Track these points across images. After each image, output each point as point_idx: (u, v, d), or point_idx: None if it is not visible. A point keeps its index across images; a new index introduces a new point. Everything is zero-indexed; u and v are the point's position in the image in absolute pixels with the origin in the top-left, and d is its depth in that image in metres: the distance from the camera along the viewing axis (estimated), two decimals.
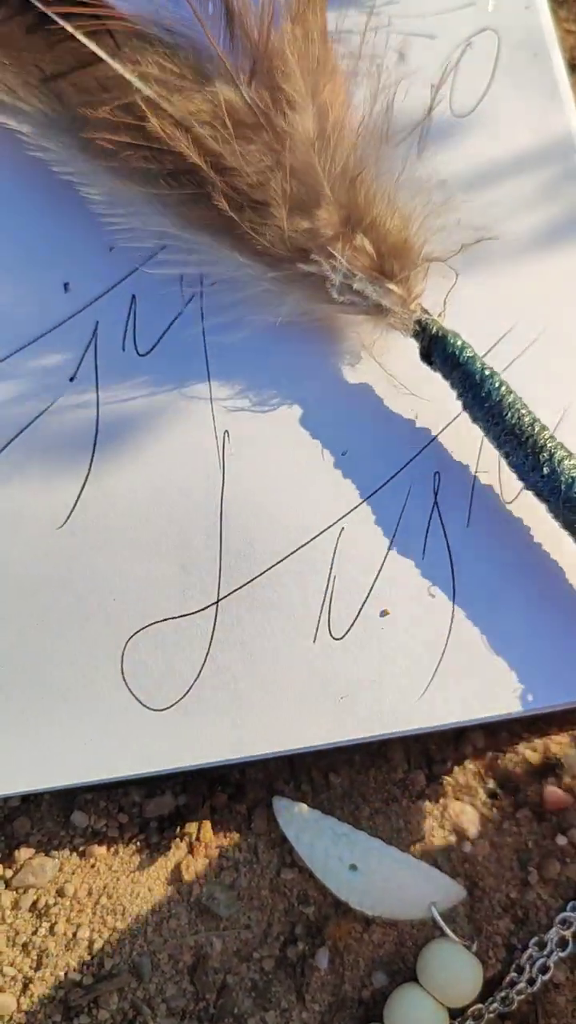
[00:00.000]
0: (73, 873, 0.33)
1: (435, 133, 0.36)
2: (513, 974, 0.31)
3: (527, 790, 0.33)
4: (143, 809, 0.33)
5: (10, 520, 0.33)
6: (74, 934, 0.32)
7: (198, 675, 0.32)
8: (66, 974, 0.31)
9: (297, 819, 0.32)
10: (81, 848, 0.33)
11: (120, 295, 0.34)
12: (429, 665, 0.32)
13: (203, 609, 0.33)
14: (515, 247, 0.35)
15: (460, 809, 0.33)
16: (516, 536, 0.33)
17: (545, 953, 0.31)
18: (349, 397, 0.34)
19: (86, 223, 0.34)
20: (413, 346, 0.33)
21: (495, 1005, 0.30)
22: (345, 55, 0.34)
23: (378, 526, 0.33)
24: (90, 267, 0.35)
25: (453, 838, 0.32)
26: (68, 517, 0.33)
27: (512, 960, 0.31)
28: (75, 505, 0.33)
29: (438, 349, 0.32)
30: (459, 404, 0.32)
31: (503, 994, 0.30)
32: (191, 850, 0.33)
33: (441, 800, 0.33)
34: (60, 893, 0.32)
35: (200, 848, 0.32)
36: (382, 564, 0.33)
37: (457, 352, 0.32)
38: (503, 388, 0.31)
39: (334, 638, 0.32)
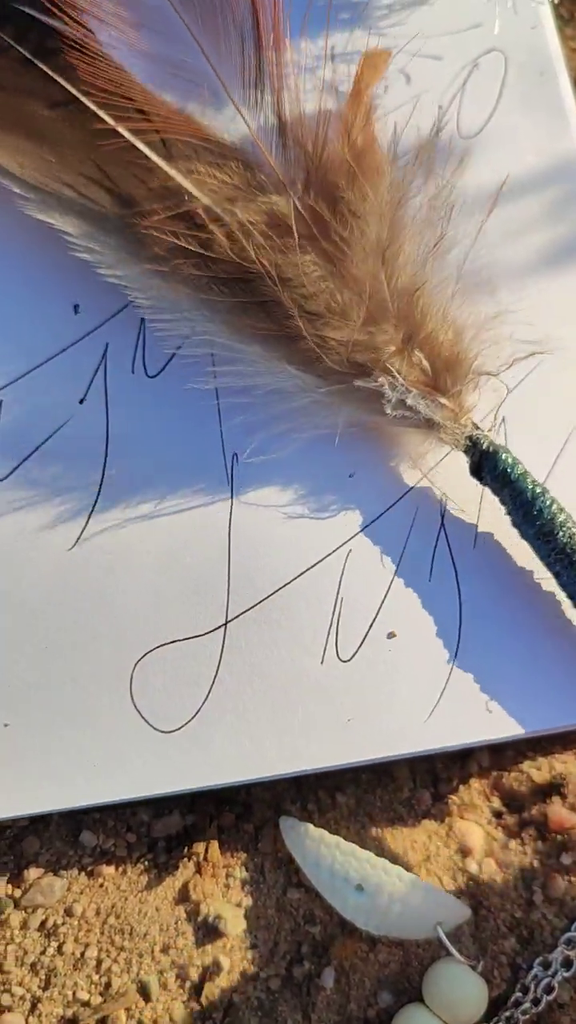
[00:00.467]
0: (81, 892, 0.33)
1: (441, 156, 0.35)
2: (518, 994, 0.31)
3: (532, 809, 0.33)
4: (151, 828, 0.33)
5: (20, 542, 0.33)
6: (82, 953, 0.32)
7: (207, 697, 0.32)
8: (74, 993, 0.31)
9: (304, 839, 0.32)
10: (89, 868, 0.33)
11: (129, 317, 0.34)
12: (435, 687, 0.32)
13: (212, 631, 0.33)
14: (519, 267, 0.35)
15: (466, 828, 0.33)
16: (522, 558, 0.33)
17: (550, 973, 0.31)
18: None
19: None
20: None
21: None
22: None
23: (385, 548, 0.33)
24: (100, 289, 0.35)
25: (458, 857, 0.32)
26: (78, 539, 0.33)
27: (517, 980, 0.31)
28: (85, 527, 0.33)
29: (488, 466, 0.32)
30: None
31: (508, 1014, 0.30)
32: (199, 869, 0.33)
33: (447, 819, 0.33)
34: (68, 912, 0.32)
35: (207, 867, 0.33)
36: (389, 586, 0.33)
37: (508, 469, 0.31)
38: (554, 506, 0.31)
39: (342, 660, 0.32)
